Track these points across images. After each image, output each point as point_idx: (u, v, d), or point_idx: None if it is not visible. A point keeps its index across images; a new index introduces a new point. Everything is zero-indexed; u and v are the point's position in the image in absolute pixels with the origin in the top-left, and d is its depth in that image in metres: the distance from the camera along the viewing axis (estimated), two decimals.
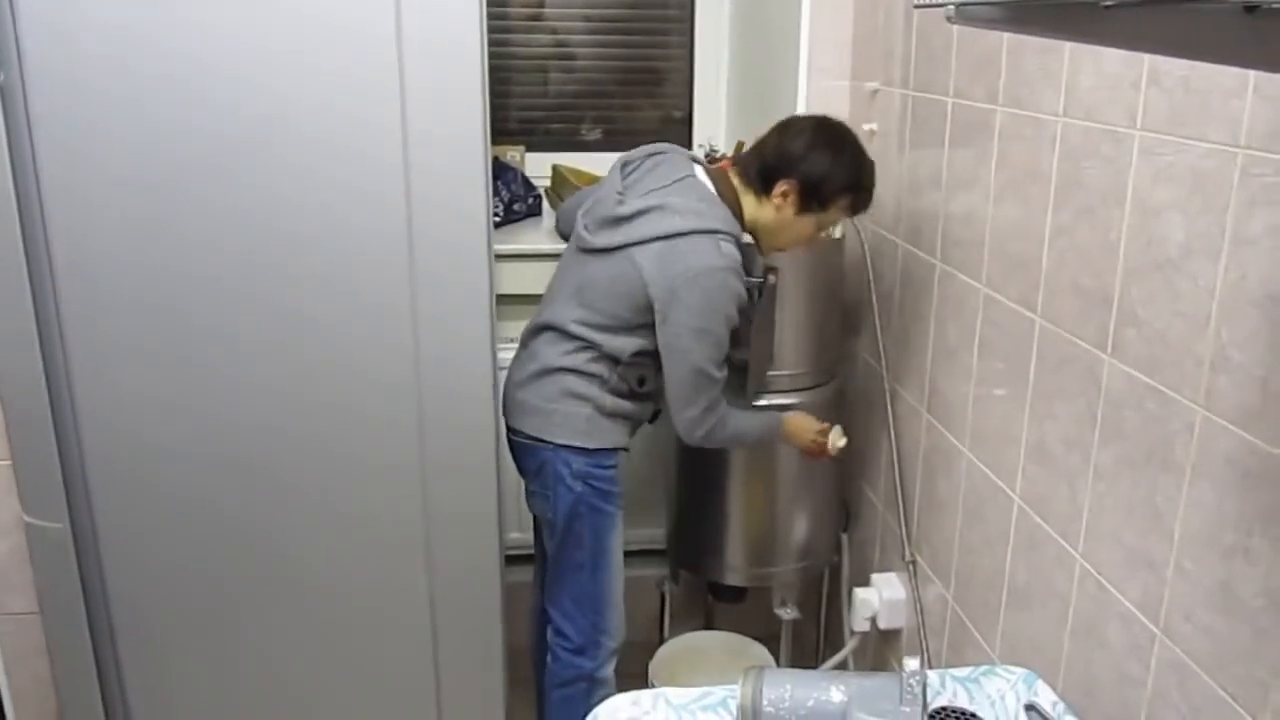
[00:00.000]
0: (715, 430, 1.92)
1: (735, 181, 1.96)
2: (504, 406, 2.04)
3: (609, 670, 2.10)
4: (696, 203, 1.88)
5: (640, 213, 1.87)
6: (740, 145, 2.37)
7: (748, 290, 1.88)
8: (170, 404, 1.87)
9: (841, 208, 1.94)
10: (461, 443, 1.96)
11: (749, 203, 1.95)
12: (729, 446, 2.06)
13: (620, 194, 1.92)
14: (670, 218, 1.84)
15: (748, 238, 1.95)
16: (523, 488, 2.08)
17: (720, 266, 1.81)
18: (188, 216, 1.78)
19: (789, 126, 1.95)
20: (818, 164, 1.89)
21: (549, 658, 2.11)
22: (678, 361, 1.87)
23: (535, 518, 2.13)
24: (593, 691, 2.07)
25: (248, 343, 1.86)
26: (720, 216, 1.87)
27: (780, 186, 1.90)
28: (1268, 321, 1.11)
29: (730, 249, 1.84)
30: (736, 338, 1.93)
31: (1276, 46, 0.60)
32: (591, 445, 1.96)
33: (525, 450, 2.02)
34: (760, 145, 1.97)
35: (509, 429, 2.04)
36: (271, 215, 1.80)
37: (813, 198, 1.90)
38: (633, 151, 2.03)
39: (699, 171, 1.95)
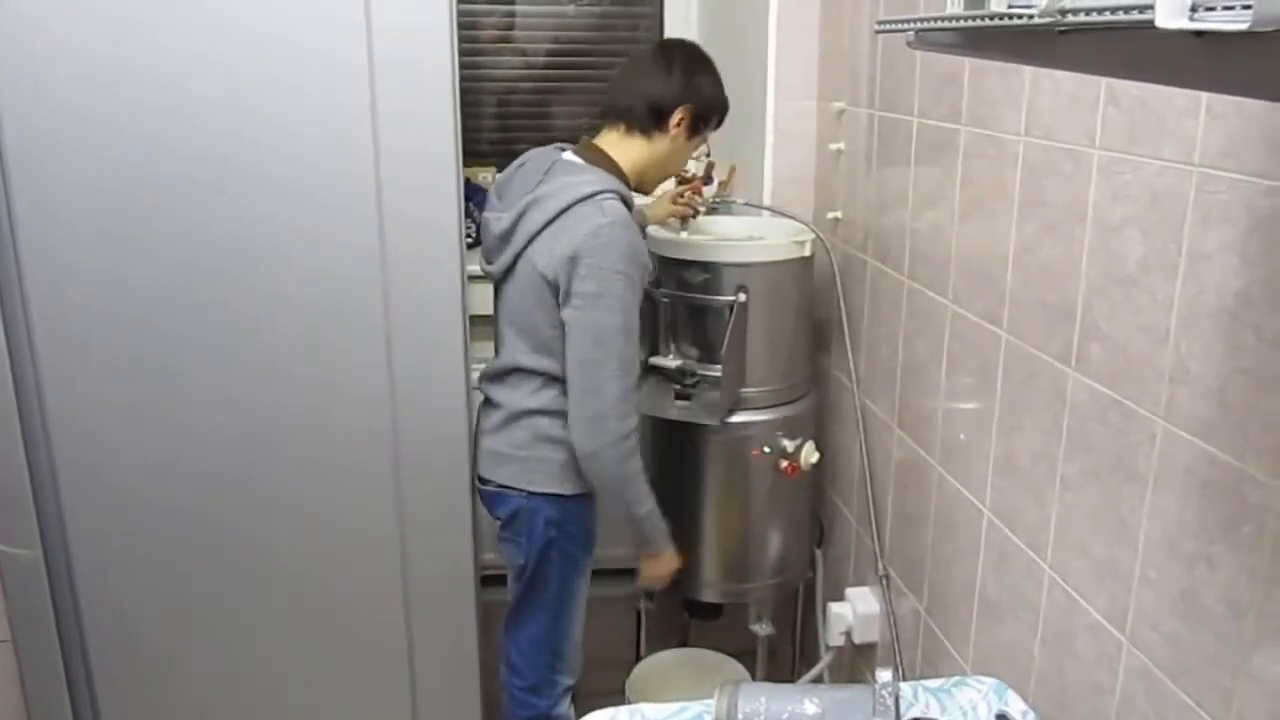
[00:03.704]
0: (622, 448, 1.80)
1: (611, 137, 1.94)
2: (475, 456, 2.00)
3: (564, 708, 2.06)
4: (567, 178, 1.83)
5: (519, 217, 1.82)
6: (710, 165, 2.39)
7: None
8: (144, 426, 1.87)
9: (713, 126, 2.01)
10: (435, 457, 1.97)
11: (636, 147, 1.93)
12: (620, 491, 1.87)
13: (498, 215, 1.88)
14: (545, 204, 1.79)
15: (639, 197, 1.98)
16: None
17: (605, 223, 1.74)
18: (161, 237, 1.79)
19: (641, 60, 1.97)
20: (704, 86, 1.95)
21: (504, 697, 2.08)
22: (576, 339, 1.77)
23: None
24: None
25: (223, 363, 1.86)
26: (595, 179, 1.82)
27: (676, 115, 1.92)
28: (1224, 334, 1.13)
29: (614, 204, 1.78)
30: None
31: (1225, 69, 0.62)
32: (568, 492, 1.90)
33: (497, 498, 1.96)
34: (617, 89, 1.96)
35: (480, 479, 1.98)
36: (247, 237, 1.81)
37: (701, 120, 1.96)
38: (503, 171, 2.00)
39: (564, 155, 1.92)
